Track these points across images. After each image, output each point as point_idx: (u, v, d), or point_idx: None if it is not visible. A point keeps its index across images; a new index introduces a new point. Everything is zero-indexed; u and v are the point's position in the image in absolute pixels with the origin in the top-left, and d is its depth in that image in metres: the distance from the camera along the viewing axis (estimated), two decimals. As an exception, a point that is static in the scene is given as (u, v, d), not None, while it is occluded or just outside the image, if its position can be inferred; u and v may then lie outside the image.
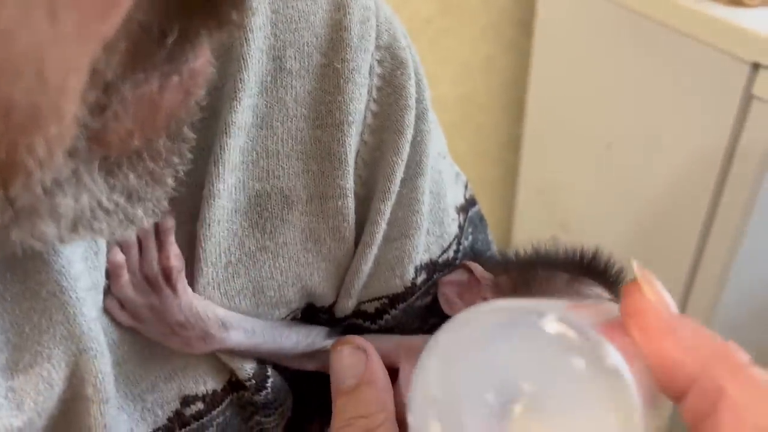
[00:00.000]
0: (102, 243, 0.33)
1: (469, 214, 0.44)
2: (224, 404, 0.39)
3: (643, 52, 1.02)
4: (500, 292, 0.40)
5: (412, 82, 0.37)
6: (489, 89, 1.33)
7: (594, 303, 0.28)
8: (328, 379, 0.43)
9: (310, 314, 0.41)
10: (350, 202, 0.37)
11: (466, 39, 1.25)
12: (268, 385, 0.39)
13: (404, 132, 0.37)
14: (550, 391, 0.22)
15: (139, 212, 0.25)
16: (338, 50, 0.35)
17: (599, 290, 0.39)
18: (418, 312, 0.42)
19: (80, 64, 0.18)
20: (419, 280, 0.41)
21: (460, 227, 0.43)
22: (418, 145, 0.38)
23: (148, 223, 0.25)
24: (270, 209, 0.36)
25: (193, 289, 0.36)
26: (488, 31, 1.26)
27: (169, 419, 0.37)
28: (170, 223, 0.34)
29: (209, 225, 0.35)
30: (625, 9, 1.01)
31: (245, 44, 0.34)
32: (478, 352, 0.23)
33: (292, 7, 0.35)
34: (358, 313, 0.41)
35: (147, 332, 0.36)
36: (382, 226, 0.38)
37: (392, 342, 0.39)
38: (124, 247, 0.34)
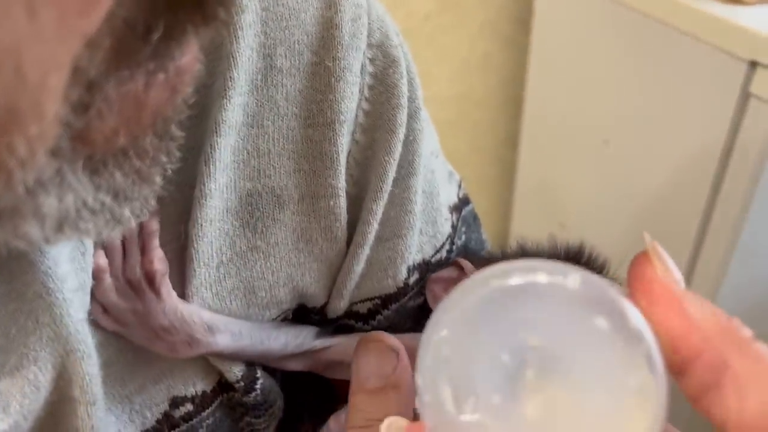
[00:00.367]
0: (89, 244, 0.32)
1: (463, 213, 0.44)
2: (214, 405, 0.39)
3: (640, 50, 1.02)
4: None
5: (405, 80, 0.37)
6: (487, 86, 1.33)
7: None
8: (320, 380, 0.43)
9: (301, 315, 0.41)
10: (342, 202, 0.37)
11: (463, 36, 1.25)
12: (258, 386, 0.39)
13: (396, 131, 0.37)
14: (569, 351, 0.21)
15: (127, 212, 0.24)
16: (329, 48, 0.35)
17: None
18: (410, 312, 0.41)
19: (61, 61, 0.17)
20: (412, 280, 0.40)
21: (454, 227, 0.42)
22: (410, 144, 0.38)
23: (136, 222, 0.25)
24: (261, 209, 0.36)
25: (186, 290, 0.35)
26: (486, 28, 1.26)
27: (158, 421, 0.37)
28: (154, 226, 0.34)
29: (201, 225, 0.35)
30: (623, 6, 1.01)
31: (235, 42, 0.33)
32: (493, 312, 0.21)
33: (283, 4, 0.34)
34: (350, 313, 0.41)
35: (131, 337, 0.35)
36: (374, 226, 0.38)
37: (414, 341, 0.38)
38: (107, 250, 0.34)
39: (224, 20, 0.20)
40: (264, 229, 0.36)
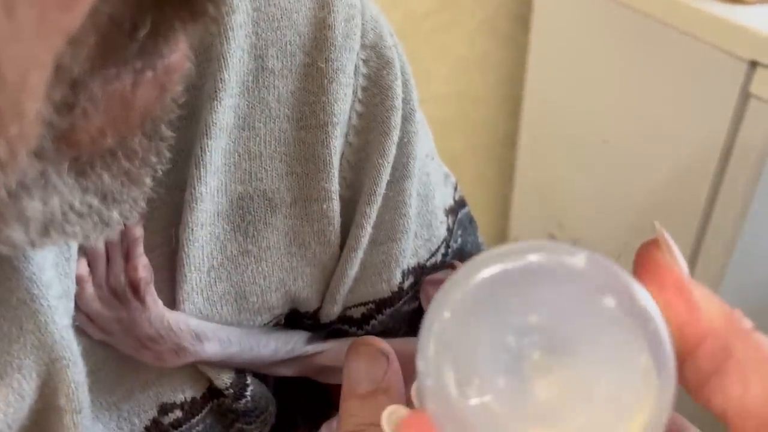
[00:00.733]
0: (74, 249, 0.32)
1: (459, 216, 0.43)
2: (204, 412, 0.38)
3: (640, 49, 1.02)
4: None
5: (399, 82, 0.36)
6: (485, 85, 1.32)
7: None
8: (313, 385, 0.42)
9: (293, 320, 0.40)
10: (335, 205, 0.36)
11: (462, 34, 1.24)
12: (248, 393, 0.38)
13: (390, 133, 0.36)
14: (576, 331, 0.20)
15: (115, 214, 0.23)
16: (322, 49, 0.34)
17: None
18: (405, 317, 0.41)
19: (42, 59, 0.17)
20: (406, 284, 0.40)
21: (449, 230, 0.42)
22: (404, 146, 0.37)
23: (126, 224, 0.24)
24: (253, 212, 0.35)
25: (177, 295, 0.35)
26: (484, 26, 1.25)
27: (147, 428, 0.36)
28: (138, 232, 0.33)
29: (192, 229, 0.34)
30: (623, 5, 1.01)
31: (225, 43, 0.33)
32: (497, 293, 0.20)
33: (275, 4, 0.34)
34: (343, 318, 0.40)
35: (118, 346, 0.35)
36: (368, 229, 0.37)
37: (407, 346, 0.38)
38: (90, 258, 0.33)
39: (213, 17, 0.20)
40: (255, 233, 0.36)
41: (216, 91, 0.33)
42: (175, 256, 0.35)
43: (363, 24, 0.36)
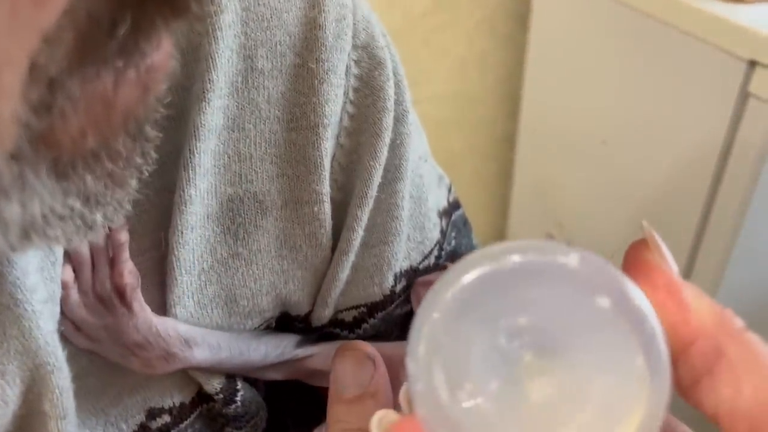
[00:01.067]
0: (59, 253, 0.31)
1: (453, 218, 0.43)
2: (193, 416, 0.38)
3: (639, 49, 1.01)
4: None
5: (391, 83, 0.36)
6: (484, 84, 1.32)
7: None
8: (304, 389, 0.42)
9: (284, 323, 0.40)
10: (326, 208, 0.36)
11: (460, 34, 1.24)
12: (238, 398, 0.38)
13: (382, 135, 0.35)
14: (569, 332, 0.20)
15: (98, 217, 0.23)
16: (313, 50, 0.34)
17: None
18: (397, 321, 0.40)
19: (15, 58, 0.16)
20: (399, 287, 0.39)
21: (443, 232, 0.41)
22: (397, 148, 0.37)
23: (110, 227, 0.24)
24: (243, 214, 0.35)
25: (168, 299, 0.34)
26: (483, 25, 1.25)
27: None
28: (123, 237, 0.33)
29: (182, 232, 0.33)
30: (622, 5, 1.00)
31: (213, 43, 0.32)
32: (488, 293, 0.20)
33: (264, 4, 0.33)
34: (335, 322, 0.40)
35: (105, 354, 0.34)
36: (359, 232, 0.37)
37: (397, 350, 0.37)
38: (75, 264, 0.33)
39: (196, 13, 0.19)
40: (246, 235, 0.35)
41: (204, 92, 0.32)
42: (165, 259, 0.34)
43: (354, 24, 0.35)
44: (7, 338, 0.29)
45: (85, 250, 0.33)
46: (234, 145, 0.34)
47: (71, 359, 0.32)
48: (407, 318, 0.41)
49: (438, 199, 0.41)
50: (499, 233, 1.45)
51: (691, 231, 0.99)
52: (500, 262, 0.20)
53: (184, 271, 0.34)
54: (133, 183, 0.23)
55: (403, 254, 0.39)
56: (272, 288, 0.37)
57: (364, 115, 0.36)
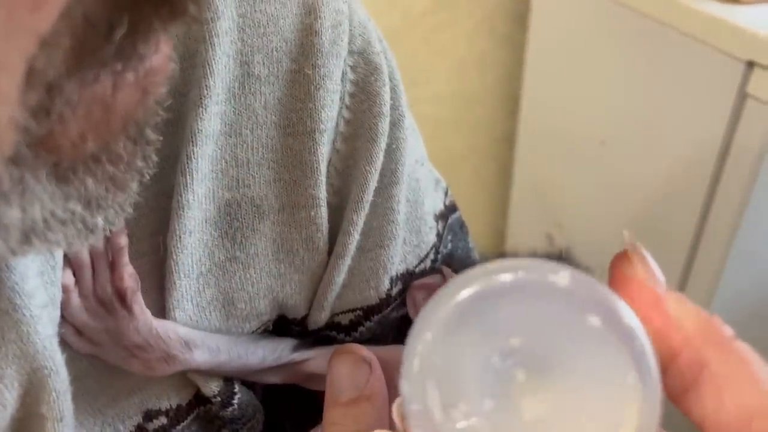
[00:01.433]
0: (59, 257, 0.32)
1: (449, 221, 0.43)
2: (190, 418, 0.38)
3: (638, 49, 1.01)
4: None
5: (387, 88, 0.36)
6: (483, 84, 1.32)
7: None
8: (302, 392, 0.42)
9: (281, 326, 0.40)
10: (323, 212, 0.36)
11: (460, 34, 1.24)
12: (235, 401, 0.38)
13: (378, 140, 0.36)
14: (560, 350, 0.20)
15: (100, 221, 0.23)
16: (309, 56, 0.34)
17: None
18: (393, 324, 0.41)
19: (12, 62, 0.16)
20: (395, 291, 0.39)
21: (439, 235, 0.42)
22: (393, 153, 0.37)
23: (112, 230, 0.24)
24: (240, 219, 0.35)
25: (167, 303, 0.35)
26: (482, 25, 1.25)
27: None
28: (123, 241, 0.33)
29: (180, 237, 0.34)
30: (621, 5, 1.00)
31: (210, 49, 0.32)
32: (480, 313, 0.20)
33: (260, 10, 0.34)
34: (331, 325, 0.40)
35: (106, 357, 0.34)
36: (356, 236, 0.37)
37: (393, 353, 0.37)
38: (76, 269, 0.33)
39: (194, 16, 0.19)
40: (243, 239, 0.36)
41: (201, 98, 0.33)
42: (163, 263, 0.35)
43: (351, 30, 0.35)
44: (6, 342, 0.30)
45: (85, 254, 0.33)
46: (231, 151, 0.34)
47: (70, 362, 0.32)
48: (403, 321, 0.41)
49: (434, 203, 0.42)
50: (499, 233, 1.45)
51: (689, 231, 0.99)
52: (492, 282, 0.20)
53: (182, 275, 0.34)
54: (134, 186, 0.24)
55: (400, 257, 0.39)
56: (269, 291, 0.37)
57: (360, 120, 0.36)
